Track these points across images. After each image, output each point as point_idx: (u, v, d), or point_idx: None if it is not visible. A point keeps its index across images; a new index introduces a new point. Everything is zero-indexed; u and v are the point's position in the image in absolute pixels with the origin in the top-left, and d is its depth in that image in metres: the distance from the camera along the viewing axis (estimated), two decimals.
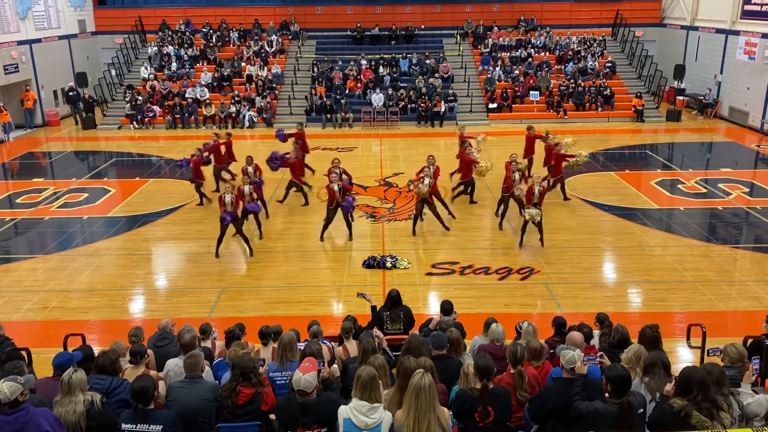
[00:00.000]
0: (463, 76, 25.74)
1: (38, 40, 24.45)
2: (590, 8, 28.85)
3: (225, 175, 15.85)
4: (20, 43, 23.35)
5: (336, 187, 12.43)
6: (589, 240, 12.83)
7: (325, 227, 12.81)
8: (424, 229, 13.39)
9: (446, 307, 7.25)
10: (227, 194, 11.87)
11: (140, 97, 24.10)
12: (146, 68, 26.00)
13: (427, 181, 12.75)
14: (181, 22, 28.48)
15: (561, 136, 15.28)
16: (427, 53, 26.88)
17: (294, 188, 14.77)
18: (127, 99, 24.07)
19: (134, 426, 4.55)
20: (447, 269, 11.52)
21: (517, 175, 13.04)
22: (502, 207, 13.51)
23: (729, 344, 5.38)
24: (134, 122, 23.65)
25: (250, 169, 13.69)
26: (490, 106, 24.42)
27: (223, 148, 15.59)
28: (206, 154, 14.95)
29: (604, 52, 27.16)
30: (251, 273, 11.74)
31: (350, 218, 12.96)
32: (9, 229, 13.98)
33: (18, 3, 23.16)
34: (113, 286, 11.08)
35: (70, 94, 24.91)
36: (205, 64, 26.50)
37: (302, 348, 5.85)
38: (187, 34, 28.03)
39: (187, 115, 23.84)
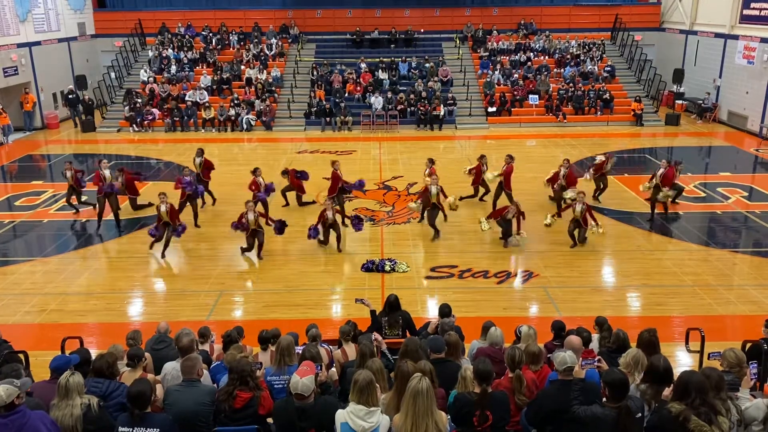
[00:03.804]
0: (463, 79, 25.76)
1: (38, 43, 24.46)
2: (589, 12, 28.92)
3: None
4: (20, 45, 23.36)
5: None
6: (588, 244, 12.81)
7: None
8: (424, 233, 13.39)
9: (444, 311, 7.24)
10: (250, 212, 11.83)
11: (139, 100, 24.12)
12: (146, 71, 26.01)
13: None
14: (180, 25, 28.51)
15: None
16: (426, 57, 26.91)
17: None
18: (126, 104, 24.07)
19: (131, 429, 4.53)
20: (446, 273, 11.51)
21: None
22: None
23: (727, 349, 5.36)
24: (133, 125, 23.64)
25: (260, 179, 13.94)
26: (489, 109, 24.44)
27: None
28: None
29: (604, 56, 27.20)
30: (249, 276, 11.74)
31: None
32: (8, 232, 13.96)
33: (18, 5, 23.18)
34: (111, 289, 11.06)
35: (70, 96, 24.93)
36: (204, 67, 26.52)
37: (300, 351, 5.84)
38: (187, 37, 28.05)
39: (186, 118, 23.85)
